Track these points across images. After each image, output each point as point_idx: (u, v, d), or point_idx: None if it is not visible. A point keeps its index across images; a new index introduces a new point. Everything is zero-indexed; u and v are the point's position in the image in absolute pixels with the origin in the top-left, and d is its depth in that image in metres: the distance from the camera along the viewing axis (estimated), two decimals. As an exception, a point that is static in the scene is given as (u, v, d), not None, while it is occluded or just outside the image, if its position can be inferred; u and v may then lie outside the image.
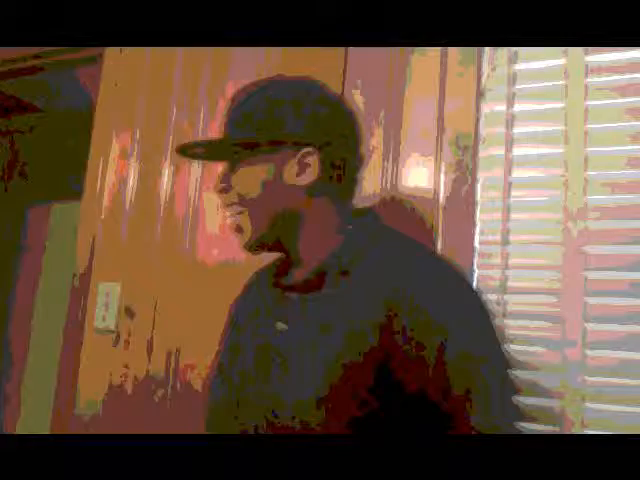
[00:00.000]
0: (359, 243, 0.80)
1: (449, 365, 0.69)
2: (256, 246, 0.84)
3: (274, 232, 0.83)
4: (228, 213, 0.85)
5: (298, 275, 0.84)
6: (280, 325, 0.80)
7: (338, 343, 0.73)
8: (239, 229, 0.84)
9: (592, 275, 0.96)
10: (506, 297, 1.02)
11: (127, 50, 1.57)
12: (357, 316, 0.73)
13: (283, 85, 0.85)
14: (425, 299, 0.72)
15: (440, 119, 1.12)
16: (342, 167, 0.83)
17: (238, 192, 0.83)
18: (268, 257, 0.92)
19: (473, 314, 0.74)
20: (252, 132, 0.82)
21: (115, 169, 1.52)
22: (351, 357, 0.71)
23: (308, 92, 0.84)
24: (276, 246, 0.85)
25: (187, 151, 0.89)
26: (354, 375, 0.71)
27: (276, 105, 0.82)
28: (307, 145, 0.80)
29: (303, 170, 0.80)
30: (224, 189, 0.84)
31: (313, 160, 0.80)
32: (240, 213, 0.83)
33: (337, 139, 0.83)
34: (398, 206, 1.12)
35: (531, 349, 0.98)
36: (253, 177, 0.82)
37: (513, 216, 1.04)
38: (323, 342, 0.74)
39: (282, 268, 0.89)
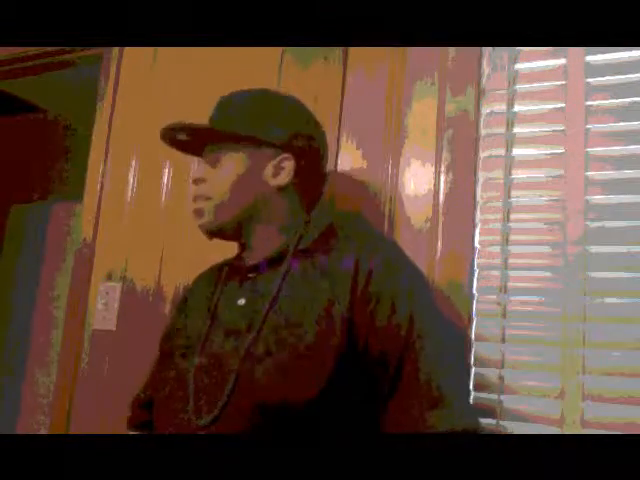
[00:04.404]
0: (318, 229, 0.92)
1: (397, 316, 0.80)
2: (216, 231, 0.92)
3: (236, 221, 0.91)
4: (196, 202, 0.92)
5: (251, 260, 0.93)
6: (241, 301, 0.88)
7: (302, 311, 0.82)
8: (200, 213, 0.92)
9: (593, 275, 0.96)
10: (506, 297, 1.02)
11: (128, 50, 1.57)
12: (317, 286, 0.84)
13: (274, 96, 0.96)
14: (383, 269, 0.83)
15: (440, 119, 1.12)
16: (310, 178, 0.95)
17: (213, 184, 0.91)
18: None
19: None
20: (240, 127, 0.90)
21: (115, 169, 1.52)
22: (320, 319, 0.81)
23: (296, 109, 0.96)
24: (234, 234, 0.93)
25: (169, 135, 0.96)
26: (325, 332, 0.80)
27: (267, 111, 0.93)
28: (286, 152, 0.90)
29: (278, 173, 0.91)
30: (200, 180, 0.92)
31: (289, 166, 0.91)
32: (207, 200, 0.91)
33: (311, 154, 0.94)
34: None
35: (531, 349, 0.98)
36: (231, 170, 0.90)
37: (513, 216, 1.05)
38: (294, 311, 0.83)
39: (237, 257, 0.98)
